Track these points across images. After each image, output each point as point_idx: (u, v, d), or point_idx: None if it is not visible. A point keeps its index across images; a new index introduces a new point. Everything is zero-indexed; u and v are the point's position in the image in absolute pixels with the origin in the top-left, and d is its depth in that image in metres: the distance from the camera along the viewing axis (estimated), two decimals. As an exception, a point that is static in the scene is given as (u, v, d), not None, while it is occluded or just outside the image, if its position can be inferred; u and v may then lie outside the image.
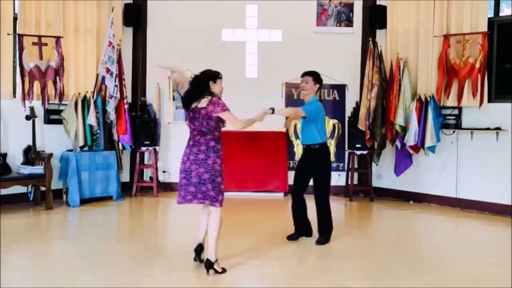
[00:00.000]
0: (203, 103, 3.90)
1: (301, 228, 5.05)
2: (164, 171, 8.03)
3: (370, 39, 7.46)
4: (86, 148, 7.03)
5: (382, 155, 7.51)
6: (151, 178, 7.84)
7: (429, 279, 4.00)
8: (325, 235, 4.95)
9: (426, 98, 6.92)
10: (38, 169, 6.41)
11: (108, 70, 7.10)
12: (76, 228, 5.90)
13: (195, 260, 4.19)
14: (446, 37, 6.80)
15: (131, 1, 7.88)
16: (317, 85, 4.94)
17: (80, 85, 7.16)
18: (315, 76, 4.93)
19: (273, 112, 4.50)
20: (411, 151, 7.10)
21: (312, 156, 4.94)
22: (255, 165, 7.62)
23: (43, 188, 6.47)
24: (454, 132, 6.91)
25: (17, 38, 6.48)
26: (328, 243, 4.92)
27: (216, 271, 3.94)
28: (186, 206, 7.35)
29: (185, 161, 3.99)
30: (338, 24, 7.93)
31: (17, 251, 4.58)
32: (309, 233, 5.07)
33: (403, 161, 7.22)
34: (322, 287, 3.84)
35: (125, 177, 7.82)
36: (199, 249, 4.18)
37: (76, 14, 7.11)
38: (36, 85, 6.62)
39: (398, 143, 7.19)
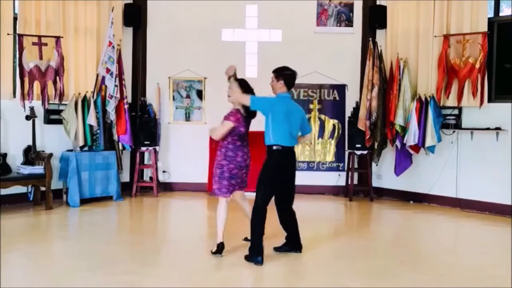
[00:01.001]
0: None
1: (288, 241, 4.70)
2: (164, 171, 8.03)
3: (370, 39, 7.46)
4: (86, 148, 7.02)
5: (382, 155, 7.51)
6: (151, 178, 7.84)
7: (429, 279, 4.00)
8: (249, 250, 4.35)
9: (426, 98, 6.92)
10: (38, 169, 6.41)
11: (108, 70, 7.10)
12: (76, 228, 5.90)
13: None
14: (446, 37, 6.80)
15: (131, 1, 7.88)
16: (281, 81, 4.41)
17: (80, 85, 7.16)
18: (277, 73, 4.45)
19: (229, 78, 4.57)
20: (411, 151, 7.10)
21: (266, 158, 4.44)
22: (255, 165, 7.60)
23: (43, 188, 6.47)
24: (454, 132, 6.91)
25: (17, 38, 6.48)
26: (247, 261, 4.30)
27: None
28: (186, 206, 7.37)
29: (246, 159, 4.61)
30: (338, 24, 7.93)
31: (17, 251, 4.58)
32: (297, 248, 4.65)
33: (403, 161, 7.22)
34: (322, 287, 3.84)
35: (125, 177, 7.82)
36: None
37: (76, 14, 7.11)
38: (36, 85, 6.62)
39: (398, 143, 7.19)
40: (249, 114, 4.56)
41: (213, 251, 4.49)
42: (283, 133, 4.33)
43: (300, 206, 7.16)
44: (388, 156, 7.57)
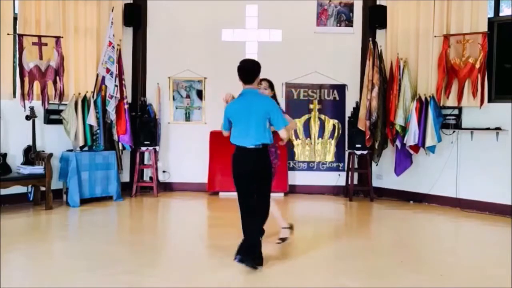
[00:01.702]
0: None
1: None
2: (164, 171, 8.04)
3: (370, 39, 7.46)
4: (86, 148, 7.02)
5: (382, 155, 7.50)
6: (151, 178, 7.84)
7: (429, 279, 4.00)
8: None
9: (426, 98, 6.92)
10: (38, 169, 6.41)
11: (108, 70, 7.10)
12: (76, 228, 5.90)
13: None
14: (446, 37, 6.80)
15: (131, 1, 7.88)
16: None
17: (80, 85, 7.16)
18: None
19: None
20: (411, 151, 7.10)
21: None
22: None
23: (43, 188, 6.47)
24: (454, 132, 6.91)
25: (17, 38, 6.48)
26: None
27: None
28: (186, 206, 7.37)
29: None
30: (338, 24, 7.93)
31: (17, 251, 4.58)
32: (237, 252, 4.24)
33: (403, 161, 7.22)
34: (322, 287, 3.84)
35: (125, 177, 7.82)
36: None
37: (76, 14, 7.11)
38: (36, 85, 6.62)
39: (398, 143, 7.19)
40: None
41: (282, 237, 4.86)
42: (236, 132, 4.22)
43: (300, 206, 7.22)
44: (388, 156, 7.57)
